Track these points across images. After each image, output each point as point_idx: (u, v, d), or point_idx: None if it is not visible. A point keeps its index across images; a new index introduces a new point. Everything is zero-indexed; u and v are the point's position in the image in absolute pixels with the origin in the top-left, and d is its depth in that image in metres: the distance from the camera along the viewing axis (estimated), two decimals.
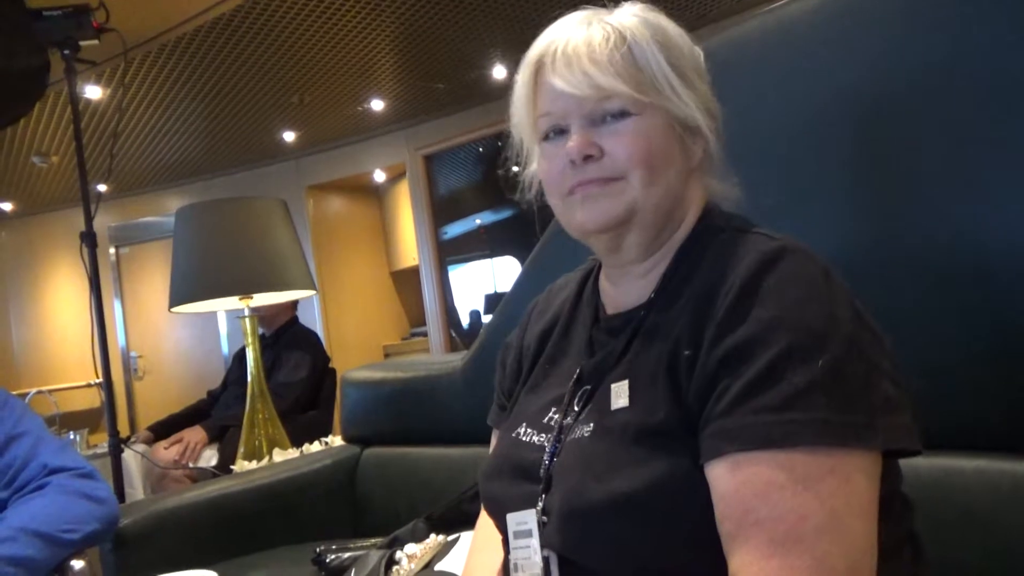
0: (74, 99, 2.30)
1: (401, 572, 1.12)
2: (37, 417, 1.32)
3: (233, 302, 2.18)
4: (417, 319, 6.11)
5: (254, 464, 2.04)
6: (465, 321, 5.77)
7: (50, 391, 4.44)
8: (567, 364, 0.79)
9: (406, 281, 6.19)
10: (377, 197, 6.41)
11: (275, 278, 2.13)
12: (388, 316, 6.29)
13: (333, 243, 5.96)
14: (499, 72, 4.61)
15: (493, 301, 5.60)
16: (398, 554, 1.15)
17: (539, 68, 0.74)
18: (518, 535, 0.70)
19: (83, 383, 5.47)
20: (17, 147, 4.78)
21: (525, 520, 0.70)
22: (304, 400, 2.80)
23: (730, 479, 0.57)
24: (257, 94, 4.45)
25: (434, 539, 1.17)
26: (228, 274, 2.08)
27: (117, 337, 6.18)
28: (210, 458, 2.67)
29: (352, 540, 1.41)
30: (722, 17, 4.20)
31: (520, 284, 1.44)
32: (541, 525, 0.68)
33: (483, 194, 5.58)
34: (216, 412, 2.94)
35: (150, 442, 2.84)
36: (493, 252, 5.77)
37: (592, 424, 0.69)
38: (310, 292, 2.27)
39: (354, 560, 1.22)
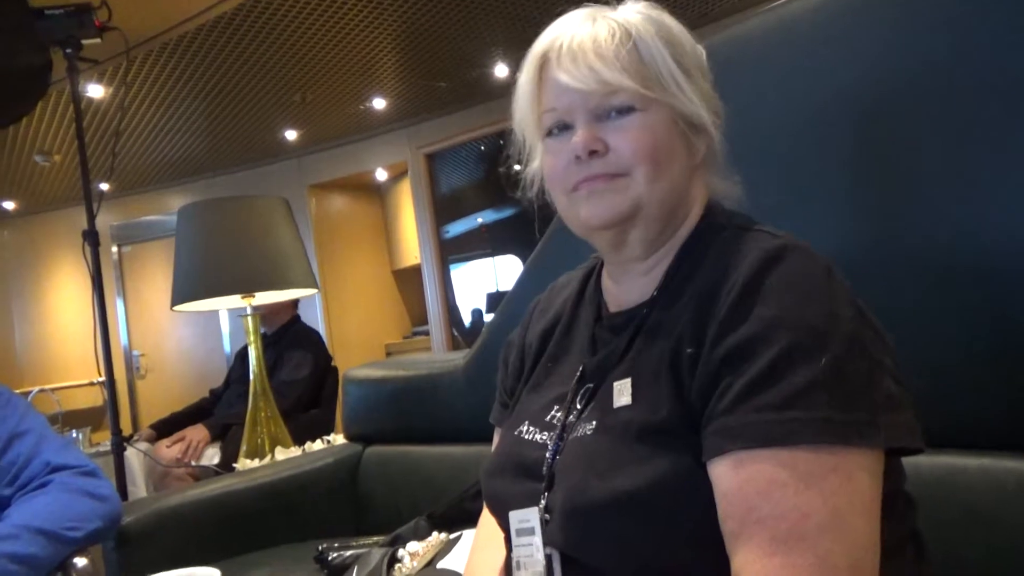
0: (76, 98, 2.30)
1: (403, 570, 1.12)
2: (40, 415, 1.32)
3: (235, 301, 2.18)
4: (419, 318, 6.11)
5: (256, 462, 2.04)
6: (467, 320, 5.77)
7: (53, 389, 4.44)
8: (569, 362, 0.79)
9: (408, 280, 6.20)
10: (379, 196, 6.41)
11: (277, 277, 2.13)
12: (390, 315, 6.29)
13: (335, 242, 5.96)
14: (501, 70, 4.61)
15: (495, 300, 5.61)
16: (400, 552, 1.15)
17: (544, 64, 0.74)
18: (520, 533, 0.70)
19: (86, 381, 5.47)
20: (19, 146, 4.79)
21: (528, 518, 0.70)
22: (306, 399, 2.80)
23: (732, 477, 0.57)
24: (259, 93, 4.45)
25: (436, 537, 1.17)
26: (230, 273, 2.08)
27: (119, 335, 6.19)
28: (212, 456, 2.67)
29: (354, 538, 1.41)
30: (724, 15, 4.20)
31: (522, 283, 1.44)
32: (544, 523, 0.68)
33: (485, 193, 5.58)
34: (218, 410, 2.94)
35: (152, 440, 2.85)
36: (495, 251, 5.77)
37: (595, 422, 0.69)
38: (312, 291, 2.27)
39: (356, 558, 1.22)
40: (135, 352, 6.28)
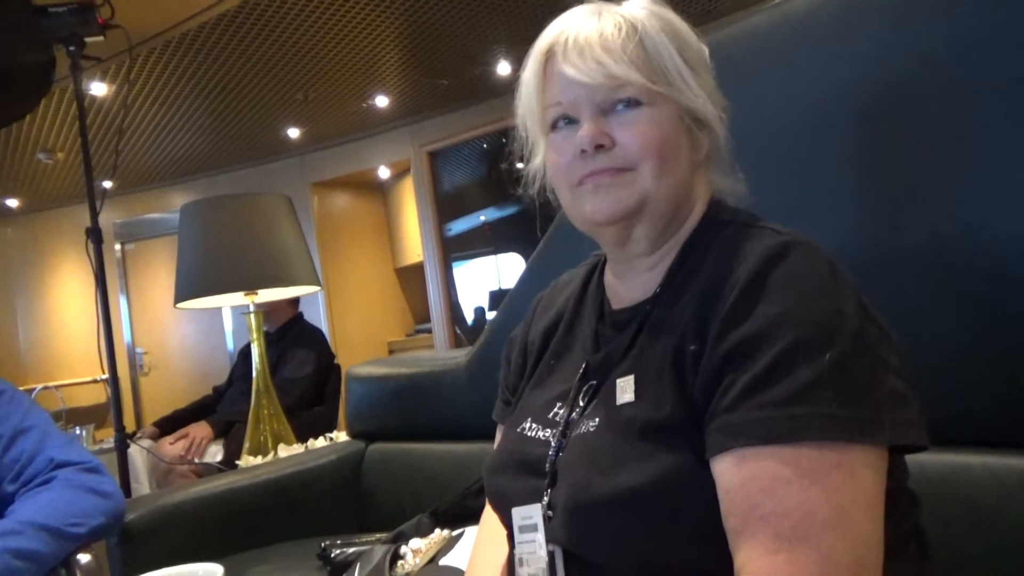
0: (79, 96, 2.31)
1: (406, 567, 1.12)
2: (43, 412, 1.32)
3: (238, 298, 2.18)
4: (421, 315, 6.11)
5: (259, 459, 2.05)
6: (469, 317, 5.77)
7: (56, 387, 4.44)
8: (572, 359, 0.79)
9: (410, 278, 6.20)
10: (382, 194, 6.41)
11: (280, 274, 2.13)
12: (392, 312, 6.30)
13: (338, 240, 5.97)
14: (503, 68, 4.61)
15: (497, 297, 5.61)
16: (403, 549, 1.15)
17: (549, 57, 0.73)
18: (523, 529, 0.70)
19: (89, 379, 5.47)
20: (23, 144, 4.79)
21: (531, 514, 0.70)
22: (309, 396, 2.81)
23: (736, 474, 0.57)
24: (262, 91, 4.46)
25: (439, 534, 1.17)
26: (233, 270, 2.08)
27: (123, 333, 6.20)
28: (215, 453, 2.68)
29: (357, 535, 1.41)
30: (727, 12, 4.19)
31: (524, 280, 1.44)
32: (546, 519, 0.68)
33: (487, 191, 5.58)
34: (221, 408, 2.95)
35: (156, 437, 2.85)
36: (497, 249, 5.77)
37: (598, 419, 0.69)
38: (315, 288, 2.27)
39: (359, 555, 1.22)
40: (138, 349, 6.29)
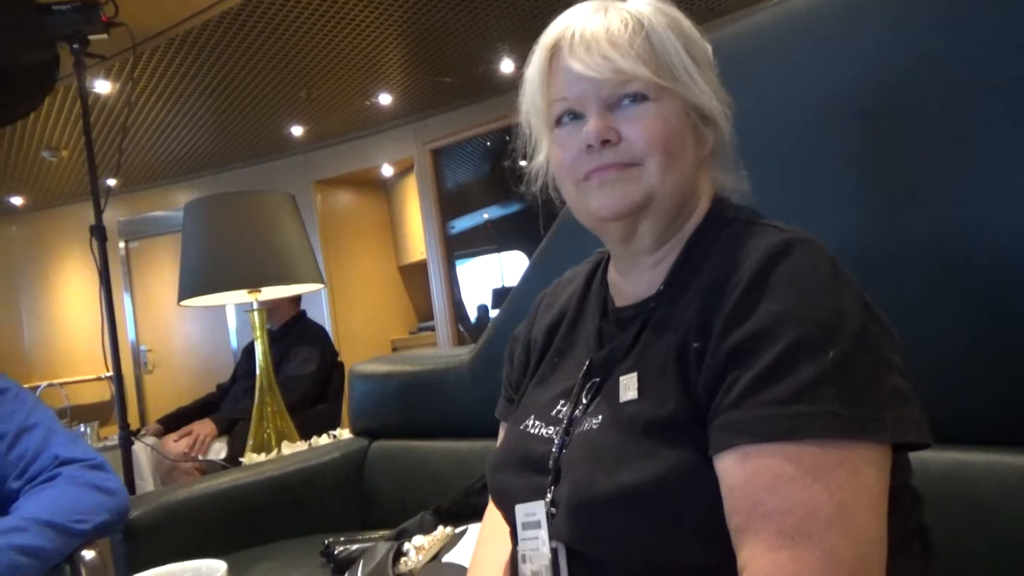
0: (83, 94, 2.31)
1: (409, 564, 1.12)
2: (48, 409, 1.32)
3: (242, 296, 2.18)
4: (425, 313, 6.11)
5: (263, 457, 2.05)
6: (473, 315, 5.77)
7: (61, 384, 4.46)
8: (575, 357, 0.79)
9: (414, 275, 6.20)
10: (385, 191, 6.41)
11: (283, 272, 2.14)
12: (396, 310, 6.30)
13: (341, 237, 5.97)
14: (507, 66, 4.60)
15: (500, 295, 5.61)
16: (406, 546, 1.15)
17: (555, 53, 0.73)
18: (526, 526, 0.71)
19: (93, 376, 5.49)
20: (27, 142, 4.80)
21: (534, 511, 0.70)
22: (312, 394, 2.81)
23: (739, 471, 0.57)
24: (265, 88, 4.46)
25: (442, 531, 1.18)
26: (237, 268, 2.08)
27: (127, 331, 6.22)
28: (219, 451, 2.68)
29: (360, 532, 1.42)
30: (730, 10, 4.18)
31: (527, 278, 1.44)
32: (550, 516, 0.68)
33: (491, 188, 5.58)
34: (225, 405, 2.96)
35: (160, 435, 2.86)
36: (500, 246, 5.77)
37: (601, 416, 0.69)
38: (318, 286, 2.28)
39: (362, 552, 1.22)
40: (142, 347, 6.30)
